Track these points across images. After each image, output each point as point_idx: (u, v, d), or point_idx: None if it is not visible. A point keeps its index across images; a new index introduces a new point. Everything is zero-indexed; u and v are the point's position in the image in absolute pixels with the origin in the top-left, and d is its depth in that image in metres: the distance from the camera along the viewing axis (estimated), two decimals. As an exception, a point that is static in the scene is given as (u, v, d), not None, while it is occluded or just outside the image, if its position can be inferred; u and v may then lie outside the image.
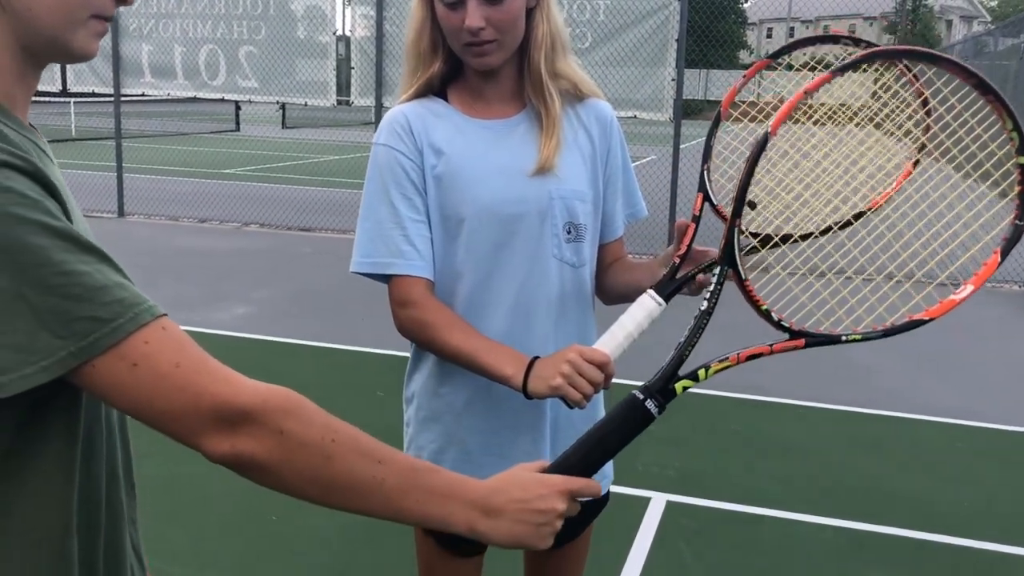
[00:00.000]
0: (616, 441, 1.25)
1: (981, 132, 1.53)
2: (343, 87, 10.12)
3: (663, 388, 1.27)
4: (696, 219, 1.59)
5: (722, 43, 50.94)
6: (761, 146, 1.28)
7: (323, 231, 10.28)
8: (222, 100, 11.04)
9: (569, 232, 1.73)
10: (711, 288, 1.35)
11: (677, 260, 1.56)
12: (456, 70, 1.75)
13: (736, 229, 1.32)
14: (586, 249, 1.77)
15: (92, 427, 1.03)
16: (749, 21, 69.47)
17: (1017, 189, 1.29)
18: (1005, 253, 1.32)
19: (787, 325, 1.35)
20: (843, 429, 4.74)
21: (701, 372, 1.30)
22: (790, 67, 1.83)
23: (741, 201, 1.30)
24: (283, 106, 25.53)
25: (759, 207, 1.64)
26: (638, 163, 16.52)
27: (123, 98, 10.66)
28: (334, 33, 9.99)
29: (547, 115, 1.72)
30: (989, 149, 1.46)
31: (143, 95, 10.67)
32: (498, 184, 1.69)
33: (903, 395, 5.19)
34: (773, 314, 1.34)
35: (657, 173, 10.49)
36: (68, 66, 10.63)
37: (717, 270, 1.36)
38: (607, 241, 1.85)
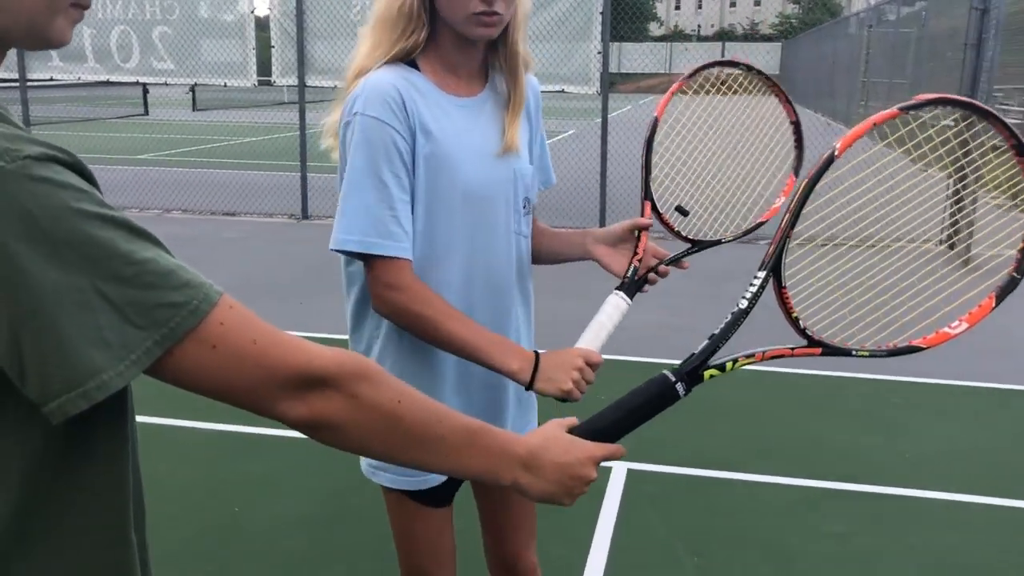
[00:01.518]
0: (644, 415, 1.32)
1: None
2: (263, 67, 9.90)
3: (692, 373, 1.35)
4: (646, 227, 1.86)
5: (633, 16, 51.53)
6: (826, 164, 1.35)
7: (247, 215, 10.07)
8: (136, 83, 10.68)
9: (524, 207, 1.84)
10: (752, 290, 1.42)
11: (637, 263, 1.83)
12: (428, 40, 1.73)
13: (787, 239, 1.40)
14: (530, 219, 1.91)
15: (133, 423, 1.01)
16: (658, -7, 70.26)
17: (1020, 247, 1.45)
18: (999, 299, 1.47)
19: (810, 334, 1.46)
20: (791, 391, 4.89)
21: (728, 364, 1.37)
22: (700, 88, 2.21)
23: (796, 214, 1.38)
24: (193, 88, 24.80)
25: (689, 214, 2.01)
26: (559, 137, 16.62)
27: (29, 83, 10.22)
28: (252, 11, 9.75)
29: (516, 94, 1.79)
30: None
31: (51, 79, 10.24)
32: (476, 166, 1.74)
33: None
34: (800, 321, 1.45)
35: (583, 146, 10.58)
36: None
37: (762, 275, 1.41)
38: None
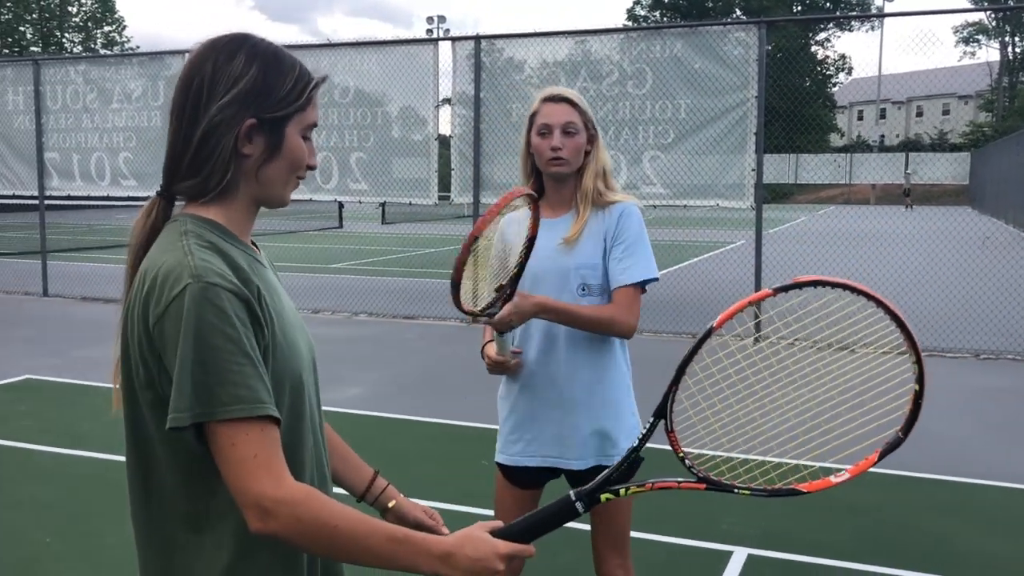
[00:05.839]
0: (551, 524, 1.58)
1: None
2: (443, 182, 11.00)
3: (591, 495, 1.60)
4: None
5: (810, 127, 51.18)
6: (704, 336, 1.64)
7: (424, 319, 10.98)
8: (333, 201, 12.05)
9: (582, 289, 2.59)
10: (641, 435, 1.67)
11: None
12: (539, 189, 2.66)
13: (673, 391, 1.65)
14: (596, 300, 2.60)
15: (296, 440, 1.50)
16: (839, 104, 69.49)
17: (908, 409, 1.58)
18: (883, 455, 1.60)
19: (696, 472, 1.64)
20: (916, 493, 5.00)
21: (622, 491, 1.59)
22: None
23: (678, 375, 1.65)
24: (383, 203, 26.90)
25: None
26: (729, 247, 16.83)
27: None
28: (436, 137, 10.89)
29: (581, 212, 2.62)
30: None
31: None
32: (539, 257, 2.49)
33: (973, 461, 5.42)
34: (687, 460, 1.66)
35: (742, 257, 10.89)
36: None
37: (651, 421, 1.68)
38: (613, 287, 2.61)
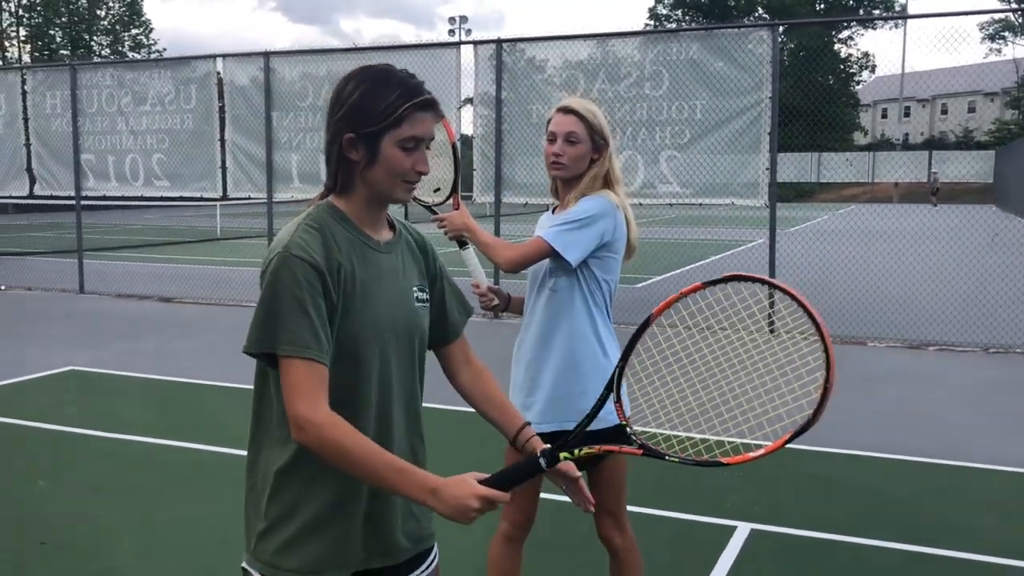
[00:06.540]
0: (524, 476, 1.85)
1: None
2: (466, 182, 11.30)
3: (551, 454, 1.86)
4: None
5: (834, 126, 51.07)
6: (643, 327, 1.92)
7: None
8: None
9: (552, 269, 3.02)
10: (594, 403, 1.96)
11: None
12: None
13: (620, 371, 1.95)
14: (563, 278, 2.99)
15: (352, 388, 1.84)
16: (863, 103, 69.19)
17: (818, 394, 1.70)
18: (792, 438, 1.74)
19: (636, 439, 1.90)
20: (916, 476, 5.26)
21: (576, 451, 1.86)
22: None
23: (624, 358, 1.94)
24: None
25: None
26: (749, 245, 16.96)
27: (274, 201, 12.11)
28: (459, 138, 11.19)
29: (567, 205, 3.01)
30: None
31: (292, 199, 12.09)
32: None
33: (974, 447, 5.66)
34: (628, 429, 1.93)
35: (760, 255, 11.13)
36: (228, 175, 12.26)
37: (602, 394, 1.94)
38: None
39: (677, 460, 1.84)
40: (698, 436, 2.18)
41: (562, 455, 1.85)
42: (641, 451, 1.87)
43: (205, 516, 4.54)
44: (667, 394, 2.22)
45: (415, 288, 1.98)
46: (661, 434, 2.08)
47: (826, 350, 1.69)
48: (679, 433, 2.17)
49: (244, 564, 1.92)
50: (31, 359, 8.38)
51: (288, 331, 1.72)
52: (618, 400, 1.95)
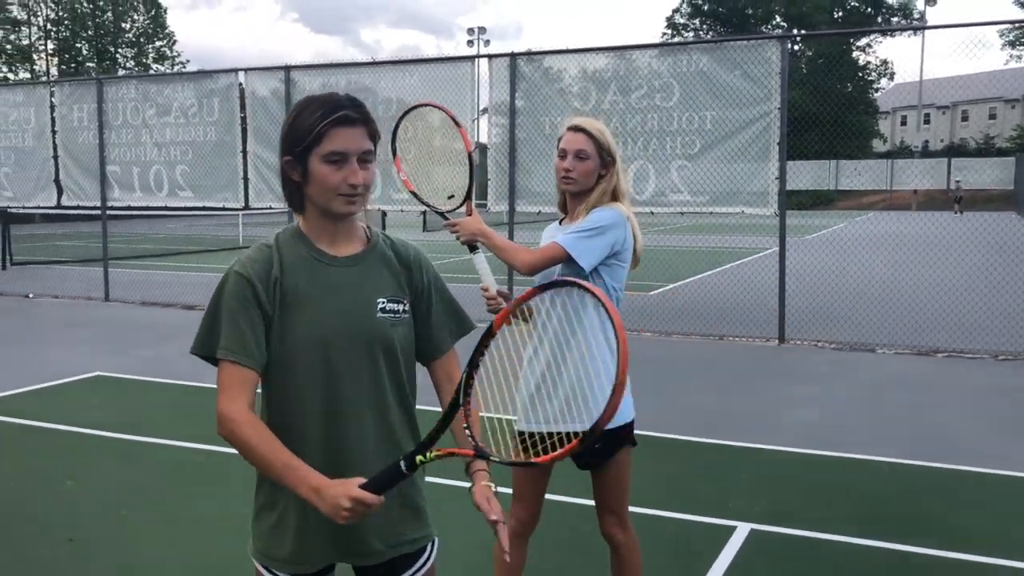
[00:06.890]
0: (390, 481, 1.90)
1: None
2: (480, 190, 11.51)
3: (410, 458, 1.90)
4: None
5: (853, 134, 50.85)
6: (485, 336, 1.96)
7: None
8: (378, 210, 12.61)
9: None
10: (445, 411, 1.99)
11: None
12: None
13: (465, 380, 1.96)
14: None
15: (290, 382, 2.03)
16: (882, 110, 68.86)
17: (608, 397, 1.68)
18: (583, 443, 1.74)
19: (474, 440, 1.93)
20: (917, 479, 5.37)
21: (429, 455, 1.89)
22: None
23: (468, 373, 1.95)
24: (424, 212, 27.48)
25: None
26: (764, 252, 16.99)
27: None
28: (476, 147, 11.39)
29: (577, 216, 3.21)
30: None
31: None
32: None
33: (978, 452, 5.77)
34: (468, 430, 1.95)
35: (772, 262, 11.24)
36: (250, 186, 12.52)
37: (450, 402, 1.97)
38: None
39: (498, 459, 1.91)
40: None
41: (418, 459, 1.90)
42: (473, 452, 1.94)
43: (230, 515, 4.71)
44: (507, 397, 2.25)
45: (383, 300, 2.08)
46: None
47: (621, 356, 1.68)
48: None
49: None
50: (58, 365, 8.64)
51: (222, 337, 1.97)
52: (461, 404, 1.98)
